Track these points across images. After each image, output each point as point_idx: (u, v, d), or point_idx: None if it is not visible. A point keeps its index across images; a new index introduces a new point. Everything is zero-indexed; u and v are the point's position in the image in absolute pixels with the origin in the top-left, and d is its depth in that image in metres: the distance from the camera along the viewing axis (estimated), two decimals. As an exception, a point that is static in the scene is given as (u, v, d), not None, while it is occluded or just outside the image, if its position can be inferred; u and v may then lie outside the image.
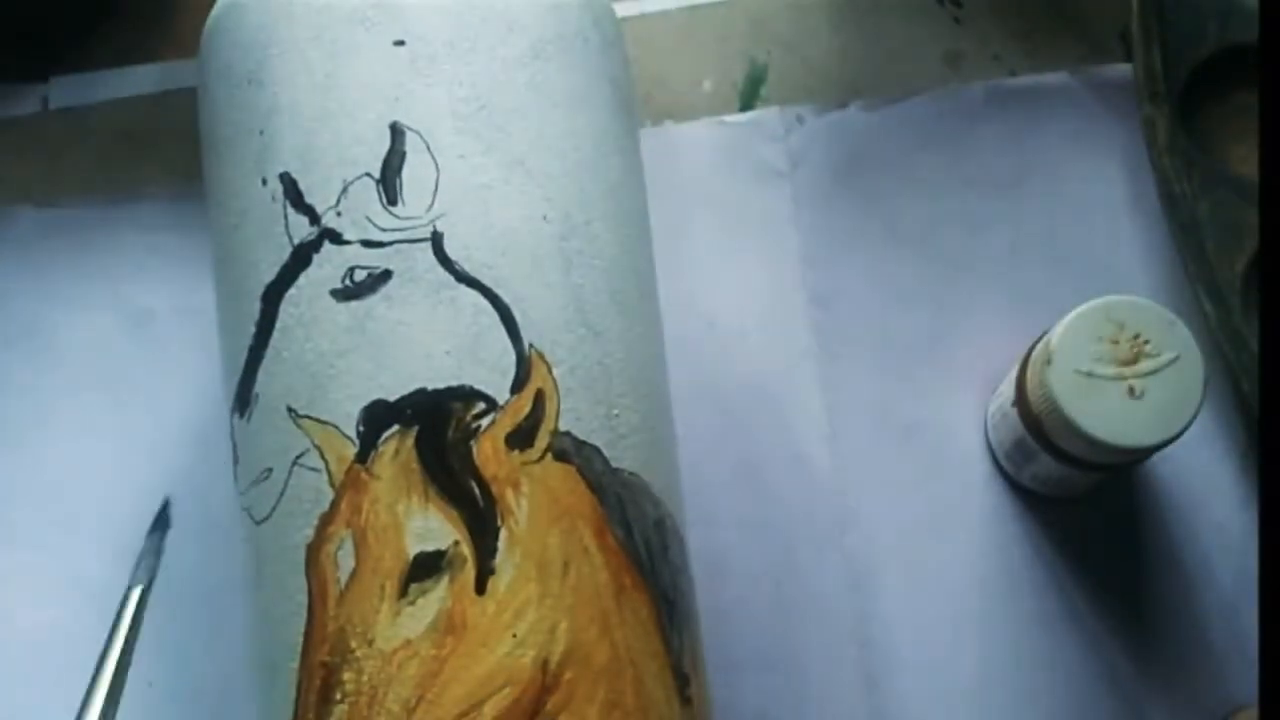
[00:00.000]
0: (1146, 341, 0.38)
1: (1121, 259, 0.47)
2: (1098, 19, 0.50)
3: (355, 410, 0.32)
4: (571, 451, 0.33)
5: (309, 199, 0.34)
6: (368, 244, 0.33)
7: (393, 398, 0.32)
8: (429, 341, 0.32)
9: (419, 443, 0.32)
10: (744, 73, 0.50)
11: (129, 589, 0.43)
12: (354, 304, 0.33)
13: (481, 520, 0.32)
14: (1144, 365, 0.38)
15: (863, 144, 0.49)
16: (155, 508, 0.45)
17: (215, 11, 0.37)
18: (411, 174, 0.33)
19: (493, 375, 0.32)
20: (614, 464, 0.33)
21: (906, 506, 0.45)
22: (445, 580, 0.31)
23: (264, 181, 0.34)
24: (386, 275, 0.33)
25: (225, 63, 0.36)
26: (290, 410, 0.33)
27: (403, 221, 0.33)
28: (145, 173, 0.49)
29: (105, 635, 0.44)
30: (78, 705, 0.43)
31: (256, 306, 0.34)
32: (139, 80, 0.50)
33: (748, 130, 0.49)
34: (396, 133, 0.33)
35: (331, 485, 0.32)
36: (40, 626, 0.44)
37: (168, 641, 0.44)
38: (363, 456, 0.32)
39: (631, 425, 0.34)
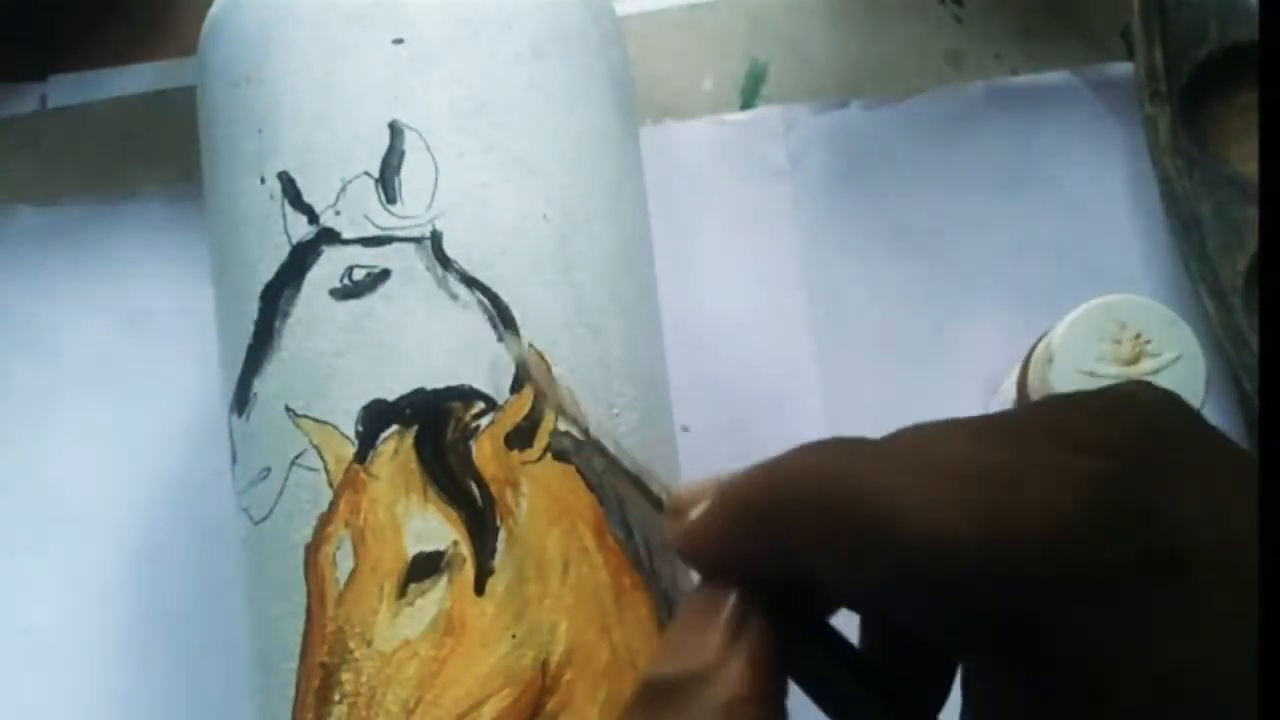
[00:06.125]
0: (1148, 341, 0.38)
1: (1123, 258, 0.47)
2: (1099, 18, 0.50)
3: (354, 410, 0.32)
4: (571, 451, 0.33)
5: (308, 198, 0.33)
6: (367, 243, 0.33)
7: (392, 397, 0.32)
8: (428, 341, 0.32)
9: (418, 442, 0.32)
10: (744, 71, 0.50)
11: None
12: (353, 303, 0.33)
13: (481, 520, 0.31)
14: (1146, 365, 0.38)
15: (863, 143, 0.49)
16: (154, 507, 0.45)
17: (214, 10, 0.37)
18: (410, 173, 0.33)
19: (492, 374, 0.32)
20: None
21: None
22: (444, 581, 0.31)
23: (262, 180, 0.34)
24: (385, 274, 0.33)
25: (224, 61, 0.36)
26: (289, 410, 0.33)
27: (402, 220, 0.33)
28: (144, 172, 0.49)
29: (106, 635, 0.44)
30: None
31: (255, 306, 0.34)
32: (137, 79, 0.50)
33: (748, 129, 0.49)
34: (395, 131, 0.33)
35: (330, 485, 0.32)
36: (40, 626, 0.44)
37: (168, 641, 0.44)
38: (361, 456, 0.32)
39: (631, 425, 0.34)
